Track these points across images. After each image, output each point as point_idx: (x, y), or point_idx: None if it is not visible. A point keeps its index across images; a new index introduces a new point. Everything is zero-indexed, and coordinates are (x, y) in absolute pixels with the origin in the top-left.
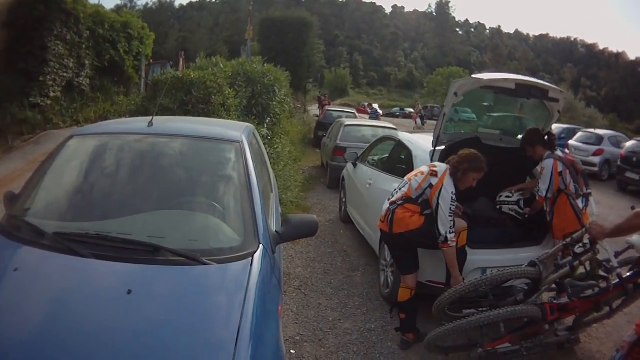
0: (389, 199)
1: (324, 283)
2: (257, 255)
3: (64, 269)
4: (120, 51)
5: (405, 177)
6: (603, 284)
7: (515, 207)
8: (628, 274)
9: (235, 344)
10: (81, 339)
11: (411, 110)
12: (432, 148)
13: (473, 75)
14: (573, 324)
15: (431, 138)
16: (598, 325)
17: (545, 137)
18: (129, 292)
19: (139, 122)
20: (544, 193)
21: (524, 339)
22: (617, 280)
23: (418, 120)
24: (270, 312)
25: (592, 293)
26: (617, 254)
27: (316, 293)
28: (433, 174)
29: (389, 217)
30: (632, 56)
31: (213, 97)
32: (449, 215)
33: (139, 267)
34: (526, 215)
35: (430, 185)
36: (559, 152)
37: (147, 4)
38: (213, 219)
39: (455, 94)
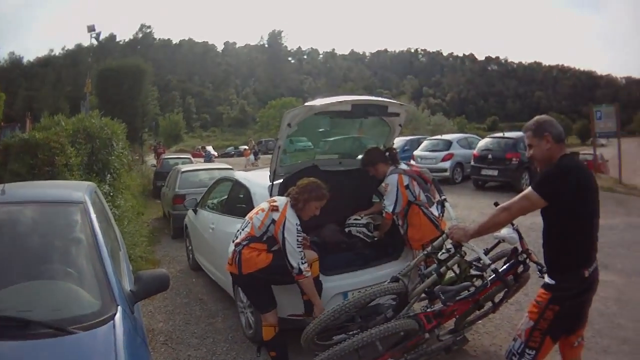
0: (233, 241)
1: (188, 334)
2: (118, 317)
3: None
4: None
5: (247, 217)
6: (478, 282)
7: (364, 229)
8: (504, 267)
9: None
10: None
11: (246, 147)
12: (270, 183)
13: (306, 104)
14: (455, 325)
15: (266, 173)
16: (484, 321)
17: (387, 153)
18: None
19: None
20: (391, 209)
21: (405, 352)
22: (494, 275)
23: (251, 156)
24: None
25: (468, 294)
26: (487, 251)
27: (183, 345)
28: (274, 209)
29: (237, 258)
30: (481, 57)
31: (57, 158)
32: (298, 247)
33: (16, 344)
34: (375, 239)
35: (273, 221)
36: (403, 166)
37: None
38: (71, 286)
39: (289, 125)
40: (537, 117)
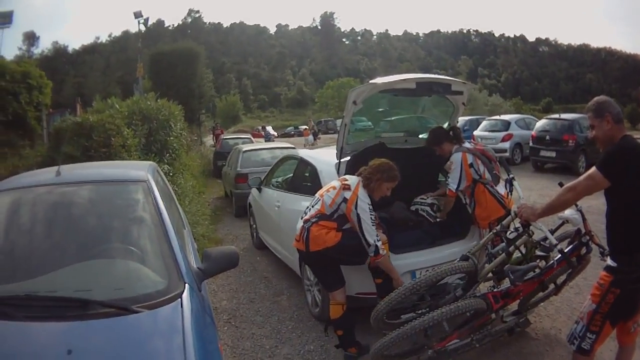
0: (302, 218)
1: (253, 312)
2: (185, 295)
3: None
4: (22, 103)
5: (317, 194)
6: (543, 264)
7: (428, 209)
8: (569, 248)
9: None
10: None
11: (306, 127)
12: (338, 160)
13: (371, 81)
14: (519, 307)
15: (331, 151)
16: (546, 304)
17: (450, 132)
18: (69, 352)
19: (47, 173)
20: (455, 187)
21: (472, 332)
22: (560, 256)
23: (310, 137)
24: (211, 352)
25: (535, 274)
26: (552, 232)
27: (247, 323)
28: (346, 187)
29: (305, 235)
30: (531, 38)
31: (113, 139)
32: (372, 225)
33: (74, 325)
34: (438, 219)
35: (345, 200)
36: (467, 145)
37: (43, 51)
38: (134, 264)
39: (355, 102)
40: (597, 98)
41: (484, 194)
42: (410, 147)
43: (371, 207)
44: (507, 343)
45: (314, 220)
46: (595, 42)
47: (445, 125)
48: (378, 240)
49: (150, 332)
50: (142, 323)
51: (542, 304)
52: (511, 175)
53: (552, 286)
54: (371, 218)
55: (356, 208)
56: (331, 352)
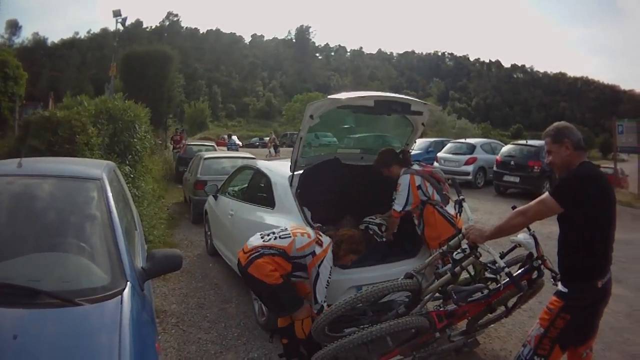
0: (262, 237)
1: (200, 317)
2: (127, 292)
3: None
4: None
5: (289, 229)
6: (493, 286)
7: (376, 228)
8: (519, 271)
9: None
10: None
11: (276, 139)
12: (291, 173)
13: (329, 97)
14: (467, 327)
15: (288, 164)
16: (497, 325)
17: (400, 155)
18: (15, 337)
19: (9, 165)
20: (400, 208)
21: (415, 350)
22: (508, 279)
23: (272, 149)
24: (147, 349)
25: (481, 296)
26: (503, 255)
27: (194, 328)
28: (319, 242)
29: (253, 256)
30: (507, 64)
31: (78, 136)
32: (326, 287)
33: (21, 312)
34: (384, 239)
35: (313, 253)
36: (416, 167)
37: (23, 41)
38: (82, 260)
39: (312, 116)
40: (556, 124)
41: (433, 214)
42: (365, 165)
43: (331, 271)
44: None
45: (272, 252)
46: (573, 72)
47: (404, 146)
48: (324, 302)
49: (90, 325)
50: (84, 316)
51: (492, 325)
52: (461, 197)
53: (502, 308)
54: (327, 280)
55: (319, 266)
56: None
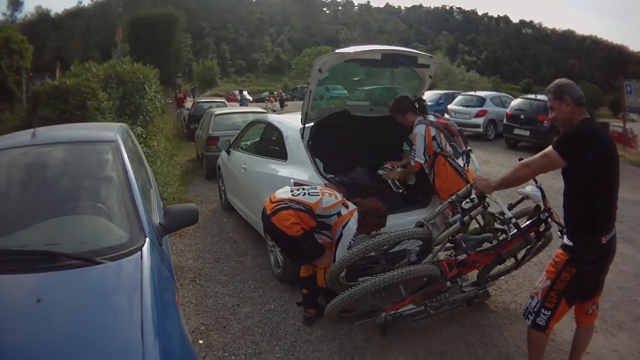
0: (292, 191)
1: (217, 271)
2: (146, 249)
3: None
4: (3, 67)
5: (318, 189)
6: (502, 237)
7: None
8: (527, 223)
9: (142, 342)
10: None
11: (282, 93)
12: (302, 126)
13: (337, 50)
14: (478, 278)
15: (299, 117)
16: (508, 278)
17: (415, 103)
18: (39, 301)
19: (23, 135)
20: (421, 160)
21: (427, 299)
22: (516, 230)
23: (277, 104)
24: (168, 303)
25: (490, 246)
26: (511, 206)
27: (211, 282)
28: (345, 204)
29: (279, 207)
30: (515, 20)
31: (88, 102)
32: (347, 248)
33: (43, 276)
34: (401, 191)
35: (339, 214)
36: (431, 117)
37: (26, 16)
38: (100, 220)
39: (320, 70)
40: (557, 80)
41: (445, 166)
42: (375, 116)
43: (355, 235)
44: (466, 313)
45: (299, 207)
46: (581, 31)
47: (412, 97)
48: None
49: (112, 282)
50: (105, 273)
51: (503, 277)
52: (469, 147)
53: (512, 261)
54: (350, 242)
55: (344, 227)
56: (290, 311)
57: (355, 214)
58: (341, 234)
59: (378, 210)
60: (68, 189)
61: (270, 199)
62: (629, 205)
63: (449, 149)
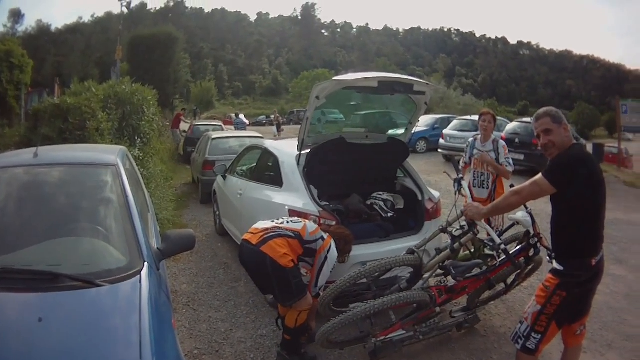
0: (273, 221)
1: (211, 296)
2: (144, 273)
3: None
4: (3, 82)
5: (296, 217)
6: (492, 262)
7: (382, 204)
8: (516, 248)
9: None
10: None
11: (279, 117)
12: (298, 153)
13: (335, 78)
14: (467, 304)
15: (295, 143)
16: (497, 303)
17: None
18: (40, 320)
19: (26, 154)
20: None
21: (417, 324)
22: (505, 256)
23: (274, 129)
24: (165, 326)
25: (480, 272)
26: (502, 232)
27: (205, 307)
28: (324, 229)
29: (265, 237)
30: (513, 41)
31: (88, 122)
32: (329, 274)
33: (45, 296)
34: (390, 215)
35: (323, 238)
36: None
37: (27, 29)
38: (100, 243)
39: (318, 97)
40: (550, 107)
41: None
42: (370, 143)
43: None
44: (455, 338)
45: (289, 234)
46: (579, 50)
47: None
48: (322, 288)
49: (111, 305)
50: (105, 296)
51: (493, 302)
52: (460, 176)
53: (502, 285)
54: (334, 265)
55: (328, 251)
56: (282, 337)
57: (333, 242)
58: (325, 258)
59: (348, 237)
60: (69, 210)
61: (251, 232)
62: (621, 226)
63: None
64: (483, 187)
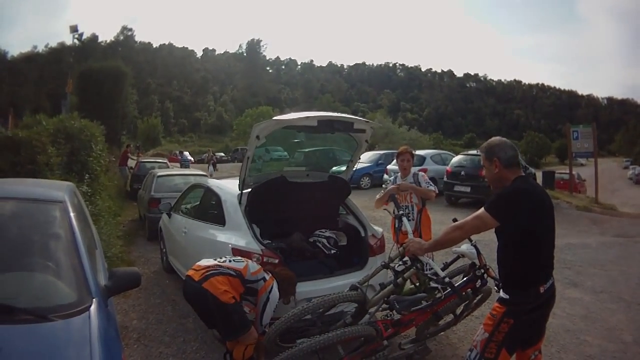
0: (215, 260)
1: (161, 332)
2: (93, 308)
3: None
4: None
5: (238, 256)
6: (438, 295)
7: (324, 241)
8: (462, 280)
9: None
10: None
11: (222, 154)
12: (240, 191)
13: (275, 117)
14: (416, 335)
15: (237, 182)
16: (449, 332)
17: None
18: (0, 349)
19: None
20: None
21: (365, 358)
22: (449, 289)
23: (210, 167)
24: None
25: (426, 305)
26: (447, 265)
27: (155, 343)
28: (266, 270)
29: (208, 274)
30: (459, 74)
31: (38, 156)
32: (271, 315)
33: (1, 328)
34: (334, 252)
35: (264, 279)
36: None
37: None
38: (50, 278)
39: (258, 137)
40: (490, 140)
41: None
42: (311, 182)
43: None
44: None
45: (230, 272)
46: (528, 80)
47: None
48: (267, 326)
49: (63, 339)
50: (57, 331)
51: (442, 333)
52: (400, 212)
53: (451, 316)
54: (274, 309)
55: (270, 291)
56: None
57: (275, 282)
58: (267, 299)
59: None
60: (20, 245)
61: (194, 268)
62: (575, 250)
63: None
64: (409, 219)
